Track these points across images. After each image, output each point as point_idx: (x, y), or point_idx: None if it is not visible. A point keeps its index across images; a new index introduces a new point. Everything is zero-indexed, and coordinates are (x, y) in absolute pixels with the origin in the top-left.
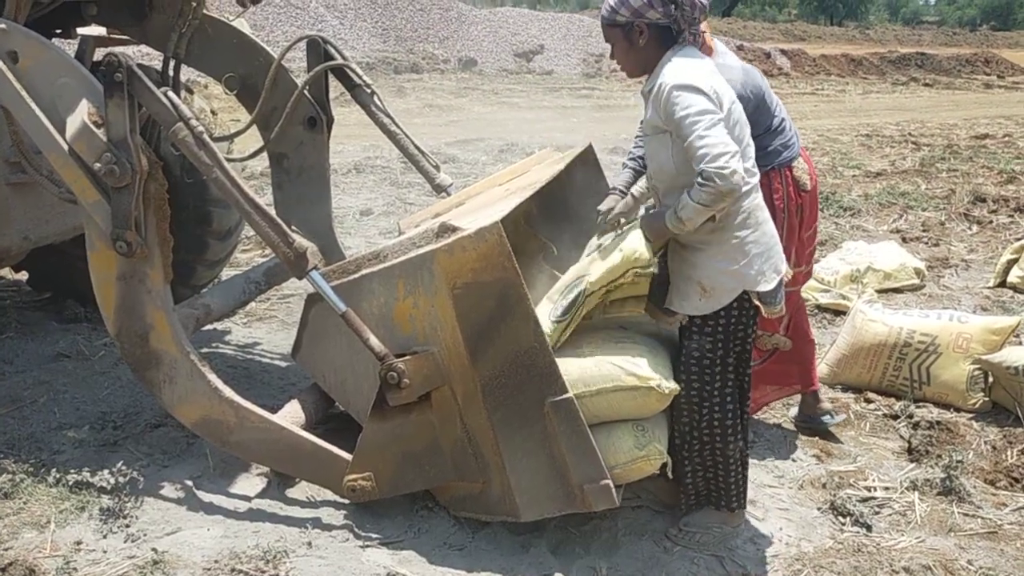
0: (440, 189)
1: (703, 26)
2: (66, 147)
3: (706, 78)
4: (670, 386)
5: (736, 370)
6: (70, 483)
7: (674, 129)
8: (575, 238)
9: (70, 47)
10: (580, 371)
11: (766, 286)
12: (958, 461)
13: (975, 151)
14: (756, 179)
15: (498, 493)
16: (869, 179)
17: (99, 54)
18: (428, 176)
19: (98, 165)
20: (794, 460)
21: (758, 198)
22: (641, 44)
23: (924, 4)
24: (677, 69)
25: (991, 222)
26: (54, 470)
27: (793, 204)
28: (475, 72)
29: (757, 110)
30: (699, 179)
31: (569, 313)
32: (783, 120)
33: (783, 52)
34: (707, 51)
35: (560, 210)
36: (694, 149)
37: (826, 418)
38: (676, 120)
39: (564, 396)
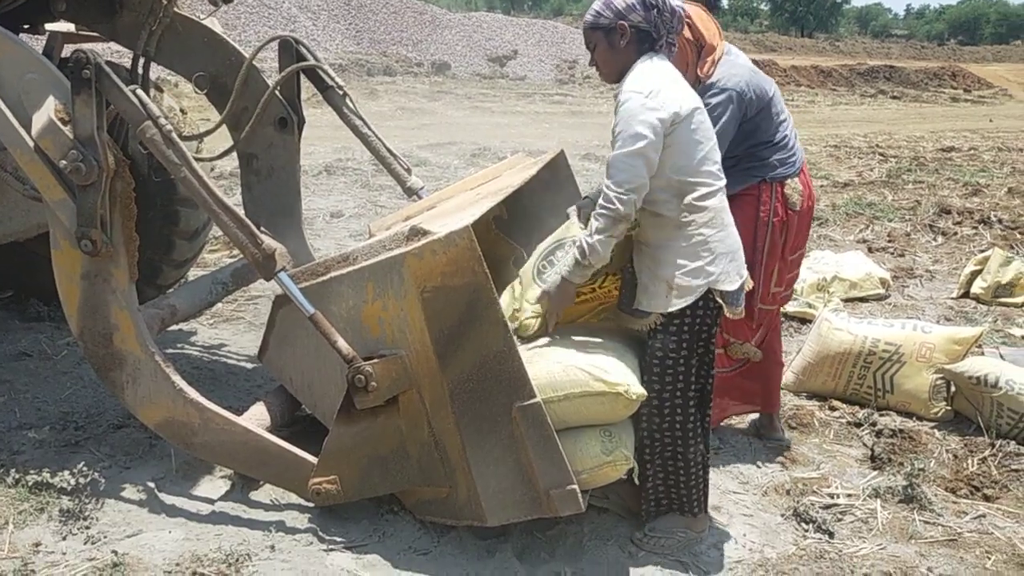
0: (411, 192)
1: (715, 32)
2: (32, 144)
3: (667, 94)
4: (638, 391)
5: (698, 372)
6: (29, 484)
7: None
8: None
9: (38, 43)
10: (548, 376)
11: (730, 285)
12: (920, 469)
13: (941, 163)
14: (722, 183)
15: (464, 497)
16: (837, 189)
17: (68, 51)
18: (399, 179)
19: (64, 163)
20: (758, 466)
21: (724, 202)
22: (622, 46)
23: (893, 18)
24: (638, 76)
25: (955, 234)
26: (13, 470)
27: (779, 220)
28: (448, 76)
29: (760, 114)
30: (599, 202)
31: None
32: (786, 137)
33: (754, 62)
34: (709, 51)
35: (531, 215)
36: (610, 166)
37: (776, 439)
38: (616, 125)
39: (532, 401)
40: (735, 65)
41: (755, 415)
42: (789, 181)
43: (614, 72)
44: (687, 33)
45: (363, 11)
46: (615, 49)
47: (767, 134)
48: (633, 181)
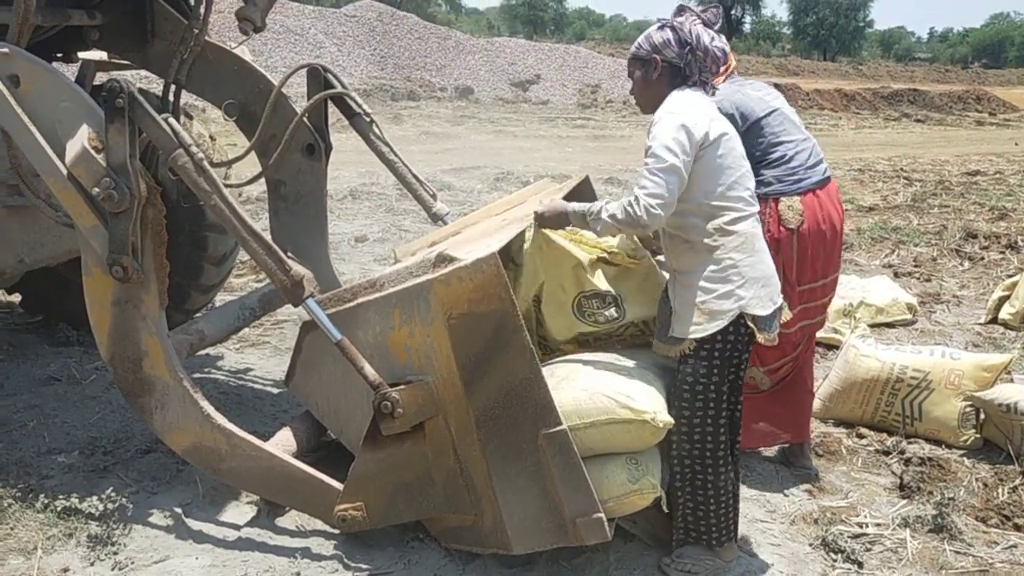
0: (437, 218)
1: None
2: (65, 172)
3: (697, 116)
4: (664, 419)
5: (729, 398)
6: (58, 509)
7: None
8: None
9: (71, 71)
10: (574, 403)
11: (762, 311)
12: (950, 498)
13: (967, 187)
14: (754, 209)
15: (490, 525)
16: (862, 214)
17: (100, 78)
18: (425, 204)
19: (97, 190)
20: (785, 495)
21: (757, 228)
22: (654, 78)
23: (916, 41)
24: (673, 102)
25: (982, 258)
26: (42, 495)
27: (771, 237)
28: (471, 100)
29: (748, 133)
30: (629, 199)
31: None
32: (786, 156)
33: (776, 86)
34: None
35: None
36: (641, 176)
37: (804, 468)
38: (648, 143)
39: (558, 428)
40: (723, 89)
41: (785, 444)
42: (785, 199)
43: (648, 103)
44: None
45: (388, 37)
46: (648, 81)
47: (758, 151)
48: (664, 197)
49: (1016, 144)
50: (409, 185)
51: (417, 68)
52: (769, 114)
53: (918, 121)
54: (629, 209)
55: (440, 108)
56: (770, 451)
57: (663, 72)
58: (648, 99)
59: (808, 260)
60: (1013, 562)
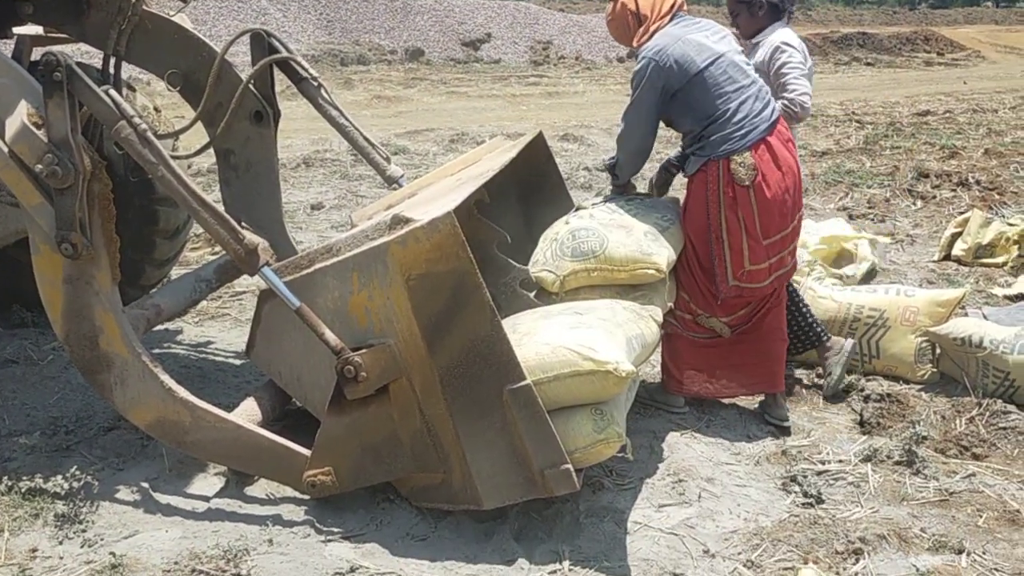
0: (391, 181)
1: (659, 4)
2: (6, 149)
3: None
4: (627, 368)
5: None
6: (23, 490)
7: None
8: (528, 226)
9: (7, 48)
10: (537, 358)
11: None
12: (923, 436)
13: (917, 128)
14: None
15: (459, 482)
16: (815, 158)
17: (36, 54)
18: (379, 168)
19: (40, 167)
20: (750, 437)
21: None
22: (760, 15)
23: None
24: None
25: (935, 197)
26: (6, 478)
27: (729, 198)
28: (422, 62)
29: (690, 86)
30: (790, 98)
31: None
32: (730, 111)
33: None
34: (647, 21)
35: (512, 198)
36: (792, 81)
37: (777, 419)
38: (780, 58)
39: (522, 383)
40: (666, 35)
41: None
42: (736, 157)
43: (750, 32)
44: (630, 4)
45: (333, 0)
46: (755, 18)
47: (708, 108)
48: (810, 94)
49: (964, 83)
50: (361, 149)
51: (365, 31)
52: (712, 63)
53: (868, 64)
54: (794, 107)
55: (391, 71)
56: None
57: (767, 10)
58: (752, 29)
59: (770, 212)
60: (972, 490)
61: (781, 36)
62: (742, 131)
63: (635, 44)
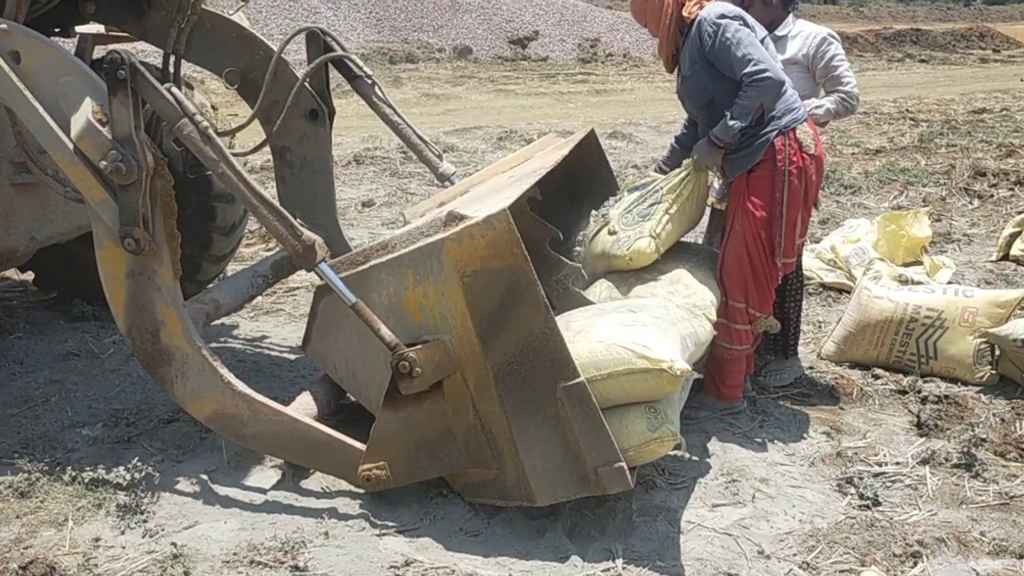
0: (443, 178)
1: None
2: (71, 146)
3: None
4: (682, 367)
5: None
6: (86, 481)
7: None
8: (580, 224)
9: (69, 46)
10: (591, 355)
11: None
12: (981, 439)
13: (973, 126)
14: None
15: (512, 479)
16: (868, 157)
17: (98, 52)
18: (431, 165)
19: (104, 163)
20: (804, 438)
21: None
22: (774, 5)
23: None
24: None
25: (992, 196)
26: (69, 468)
27: (796, 167)
28: (470, 60)
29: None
30: (843, 94)
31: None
32: (789, 84)
33: None
34: None
35: (563, 195)
36: (844, 75)
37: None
38: (826, 50)
39: (576, 381)
40: (718, 4)
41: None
42: (800, 127)
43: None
44: None
45: None
46: (769, 7)
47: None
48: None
49: (1021, 80)
50: (414, 146)
51: (414, 30)
52: (763, 39)
53: (922, 61)
54: (852, 100)
55: (439, 69)
56: (786, 395)
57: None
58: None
59: (819, 182)
60: None
61: (815, 28)
62: (797, 104)
63: (685, 13)
